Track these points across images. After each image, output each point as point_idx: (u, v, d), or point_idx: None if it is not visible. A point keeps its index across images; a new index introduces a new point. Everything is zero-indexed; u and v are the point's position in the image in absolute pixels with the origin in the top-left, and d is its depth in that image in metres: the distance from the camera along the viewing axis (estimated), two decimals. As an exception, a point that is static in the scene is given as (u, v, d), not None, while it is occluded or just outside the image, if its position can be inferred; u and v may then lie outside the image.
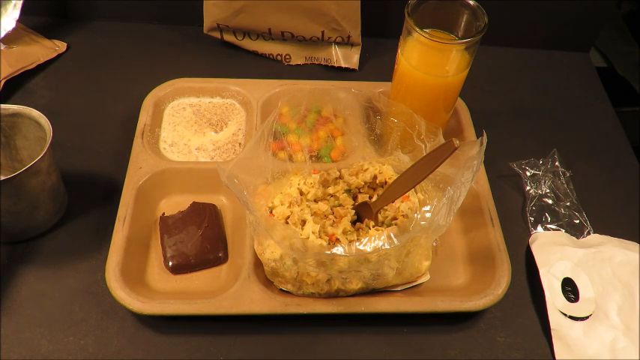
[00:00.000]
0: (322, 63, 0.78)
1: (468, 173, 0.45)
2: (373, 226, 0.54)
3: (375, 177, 0.58)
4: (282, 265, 0.51)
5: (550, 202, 0.64)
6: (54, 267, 0.56)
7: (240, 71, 0.76)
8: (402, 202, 0.56)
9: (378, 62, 0.80)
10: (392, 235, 0.43)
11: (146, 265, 0.56)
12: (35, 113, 0.54)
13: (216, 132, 0.67)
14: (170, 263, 0.55)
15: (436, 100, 0.59)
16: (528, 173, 0.66)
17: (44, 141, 0.53)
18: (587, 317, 0.54)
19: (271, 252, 0.51)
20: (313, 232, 0.52)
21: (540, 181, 0.65)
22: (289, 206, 0.54)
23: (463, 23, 0.57)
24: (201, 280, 0.56)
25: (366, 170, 0.59)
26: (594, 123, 0.76)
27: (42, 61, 0.74)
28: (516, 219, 0.64)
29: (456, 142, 0.42)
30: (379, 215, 0.55)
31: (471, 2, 0.55)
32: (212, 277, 0.56)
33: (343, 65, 0.78)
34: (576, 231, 0.62)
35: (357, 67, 0.78)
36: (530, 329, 0.55)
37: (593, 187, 0.67)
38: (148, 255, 0.57)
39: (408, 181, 0.48)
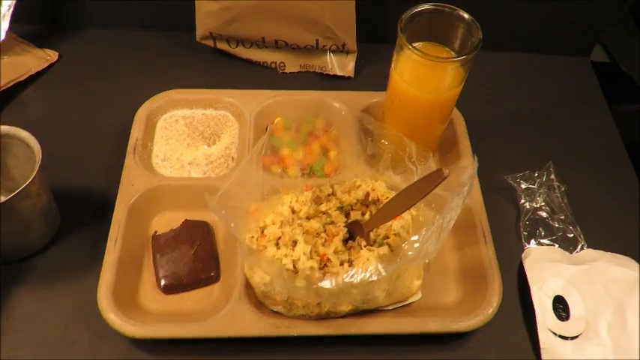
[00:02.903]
0: (317, 71, 0.77)
1: (458, 199, 0.45)
2: (365, 246, 0.54)
3: (367, 194, 0.58)
4: (272, 289, 0.51)
5: (544, 215, 0.64)
6: (47, 287, 0.56)
7: (234, 80, 0.75)
8: (395, 220, 0.56)
9: (374, 69, 0.79)
10: (379, 266, 0.43)
11: (139, 284, 0.57)
12: (24, 134, 0.53)
13: (209, 145, 0.67)
14: (162, 284, 0.56)
15: (431, 114, 0.59)
16: (523, 186, 0.65)
17: (34, 161, 0.53)
18: (577, 336, 0.54)
19: (261, 276, 0.51)
20: (304, 253, 0.52)
21: (535, 195, 0.65)
22: (280, 226, 0.55)
23: (458, 36, 0.56)
24: (193, 299, 0.56)
25: (358, 187, 0.58)
26: (593, 134, 0.74)
27: (33, 71, 0.73)
28: (510, 233, 0.63)
29: (446, 171, 0.42)
30: (371, 234, 0.55)
31: (466, 16, 0.54)
32: (204, 296, 0.56)
33: (338, 73, 0.77)
34: (570, 245, 0.62)
35: (352, 75, 0.77)
36: (520, 347, 0.55)
37: (590, 200, 0.66)
38: (141, 274, 0.57)
39: (399, 205, 0.48)
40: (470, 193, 0.47)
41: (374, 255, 0.52)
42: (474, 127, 0.69)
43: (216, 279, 0.57)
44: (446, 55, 0.55)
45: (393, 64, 0.58)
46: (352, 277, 0.43)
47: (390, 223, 0.56)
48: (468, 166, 0.48)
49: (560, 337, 0.54)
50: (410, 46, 0.52)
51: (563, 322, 0.55)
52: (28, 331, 0.53)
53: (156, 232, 0.59)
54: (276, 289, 0.51)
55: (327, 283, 0.43)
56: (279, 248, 0.53)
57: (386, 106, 0.63)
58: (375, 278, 0.42)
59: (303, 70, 0.78)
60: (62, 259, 0.58)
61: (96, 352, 0.53)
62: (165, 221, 0.61)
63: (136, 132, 0.65)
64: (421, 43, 0.56)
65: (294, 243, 0.53)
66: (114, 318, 0.51)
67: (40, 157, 0.52)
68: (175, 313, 0.55)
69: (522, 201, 0.65)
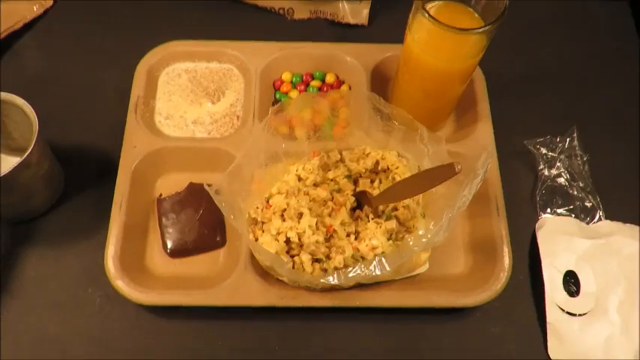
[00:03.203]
0: (328, 18, 0.72)
1: (469, 188, 0.43)
2: (372, 219, 0.52)
3: (377, 162, 0.56)
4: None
5: (563, 183, 0.61)
6: (55, 248, 0.57)
7: (239, 27, 0.70)
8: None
9: (390, 15, 0.73)
10: (384, 260, 0.41)
11: (145, 248, 0.57)
12: (19, 101, 0.51)
13: (213, 103, 0.64)
14: (168, 249, 0.56)
15: (447, 82, 0.54)
16: (543, 151, 0.62)
17: (32, 127, 0.51)
18: (585, 313, 0.53)
19: (266, 249, 0.51)
20: (310, 226, 0.51)
21: (555, 162, 0.61)
22: (286, 196, 0.53)
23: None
24: (199, 264, 0.56)
25: (367, 155, 0.56)
26: (624, 94, 0.68)
27: (29, 19, 0.69)
28: (525, 200, 0.61)
29: (458, 167, 0.39)
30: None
31: None
32: (210, 260, 0.56)
33: (352, 21, 0.71)
34: (587, 215, 0.59)
35: (366, 23, 0.72)
36: (526, 321, 0.55)
37: (613, 168, 0.63)
38: (147, 237, 0.57)
39: (407, 190, 0.46)
40: (480, 184, 0.44)
41: (381, 230, 0.51)
42: (494, 83, 0.64)
43: (222, 244, 0.57)
44: (468, 18, 0.50)
45: (408, 24, 0.52)
46: (356, 272, 0.42)
47: (399, 194, 0.54)
48: (483, 153, 0.44)
49: (568, 313, 0.53)
50: (425, 13, 0.47)
51: (573, 299, 0.54)
52: (39, 292, 0.54)
53: (161, 195, 0.59)
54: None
55: (330, 279, 0.42)
56: (284, 220, 0.52)
57: (401, 63, 0.58)
58: (378, 273, 0.41)
59: (314, 16, 0.72)
60: (68, 219, 0.58)
61: (105, 315, 0.54)
62: (170, 183, 0.60)
63: (137, 89, 0.62)
64: (440, 2, 0.51)
65: (300, 215, 0.52)
66: (121, 284, 0.52)
67: (37, 126, 0.50)
68: (182, 278, 0.55)
69: (541, 167, 0.62)
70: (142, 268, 0.55)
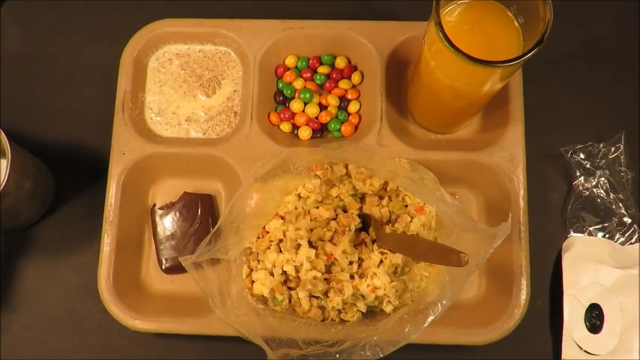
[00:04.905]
0: (341, -19, 0.61)
1: (480, 257, 0.37)
2: (377, 249, 0.48)
3: (386, 182, 0.50)
4: (272, 299, 0.48)
5: (601, 195, 0.54)
6: (52, 258, 0.56)
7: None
8: (417, 214, 0.49)
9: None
10: (378, 349, 0.37)
11: (140, 262, 0.54)
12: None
13: (208, 96, 0.57)
14: (163, 267, 0.53)
15: (473, 96, 0.46)
16: (582, 157, 0.54)
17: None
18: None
19: (260, 286, 0.48)
20: (308, 258, 0.47)
21: (594, 173, 0.54)
22: (284, 222, 0.49)
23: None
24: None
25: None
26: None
27: (3, -11, 0.61)
28: (554, 214, 0.55)
29: (465, 259, 0.34)
30: (387, 229, 0.49)
31: None
32: (208, 276, 0.54)
33: (367, -14, 0.61)
34: (624, 234, 0.53)
35: (386, -13, 0.61)
36: (539, 353, 0.51)
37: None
38: (142, 251, 0.55)
39: (414, 250, 0.42)
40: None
41: (385, 267, 0.46)
42: (534, 69, 0.54)
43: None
44: (501, 24, 0.40)
45: (424, 39, 0.43)
46: (344, 355, 0.39)
47: (408, 220, 0.49)
48: (504, 224, 0.38)
49: (587, 352, 0.49)
50: (447, 43, 0.37)
51: (594, 336, 0.50)
52: (38, 306, 0.54)
53: (154, 205, 0.55)
54: (277, 300, 0.47)
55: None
56: (281, 251, 0.48)
57: (422, 54, 0.49)
58: (371, 358, 0.38)
59: (325, -20, 0.61)
60: (63, 227, 0.56)
61: (104, 331, 0.53)
62: (164, 189, 0.56)
63: (124, 82, 0.56)
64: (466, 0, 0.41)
65: (298, 246, 0.48)
66: (116, 310, 0.50)
67: (10, 157, 0.46)
68: (177, 297, 0.53)
69: (577, 176, 0.54)
70: (137, 285, 0.54)
